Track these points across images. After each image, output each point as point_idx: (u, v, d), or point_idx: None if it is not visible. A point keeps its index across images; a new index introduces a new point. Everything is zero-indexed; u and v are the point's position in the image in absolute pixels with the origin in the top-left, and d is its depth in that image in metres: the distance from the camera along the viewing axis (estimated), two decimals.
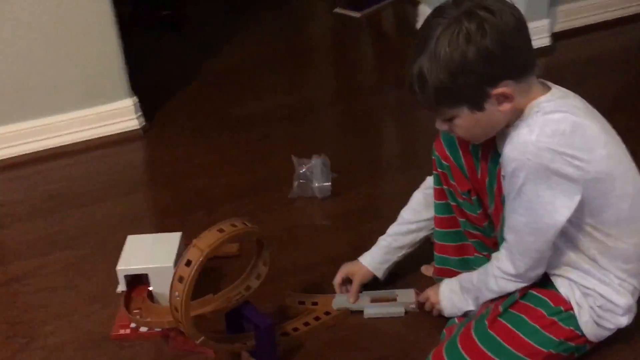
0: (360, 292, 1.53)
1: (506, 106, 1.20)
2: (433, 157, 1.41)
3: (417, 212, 1.51)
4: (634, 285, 1.30)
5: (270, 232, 1.80)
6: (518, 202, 1.21)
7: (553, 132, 1.17)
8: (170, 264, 1.43)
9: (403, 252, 1.53)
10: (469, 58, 1.14)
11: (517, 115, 1.22)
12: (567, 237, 1.26)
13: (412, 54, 1.20)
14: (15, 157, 2.18)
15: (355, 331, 1.49)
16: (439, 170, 1.41)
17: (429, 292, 1.47)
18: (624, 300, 1.28)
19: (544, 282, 1.32)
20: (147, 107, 2.35)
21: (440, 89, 1.18)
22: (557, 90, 1.24)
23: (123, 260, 1.47)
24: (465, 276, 1.40)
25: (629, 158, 1.28)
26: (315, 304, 1.54)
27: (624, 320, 1.29)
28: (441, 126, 1.27)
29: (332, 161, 1.98)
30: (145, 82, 2.48)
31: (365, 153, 2.18)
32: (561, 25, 2.71)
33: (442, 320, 1.44)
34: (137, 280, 1.50)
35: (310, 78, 2.73)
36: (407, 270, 1.60)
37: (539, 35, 2.59)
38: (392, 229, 1.54)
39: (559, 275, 1.31)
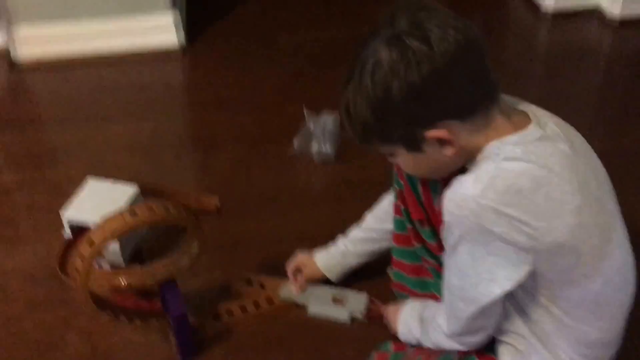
0: (309, 283, 1.42)
1: (449, 150, 1.01)
2: (394, 171, 1.24)
3: (382, 220, 1.35)
4: None
5: (253, 190, 1.72)
6: (452, 261, 1.04)
7: (506, 188, 0.96)
8: None
9: (362, 259, 1.40)
10: (392, 94, 0.96)
11: (474, 154, 1.02)
12: (518, 303, 1.07)
13: (345, 78, 1.02)
14: (44, 58, 2.16)
15: (289, 328, 1.39)
16: (396, 187, 1.24)
17: (390, 310, 1.32)
18: None
19: (490, 345, 1.15)
20: (193, 25, 2.26)
21: (366, 125, 1.01)
22: (535, 129, 1.00)
23: (72, 205, 1.44)
24: (429, 305, 1.24)
25: (616, 227, 1.04)
26: (262, 286, 1.45)
27: None
28: (389, 159, 1.10)
29: None
30: None
31: None
32: None
33: (385, 337, 1.32)
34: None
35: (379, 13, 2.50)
36: (372, 267, 1.44)
37: None
38: (353, 232, 1.39)
39: (505, 343, 1.13)
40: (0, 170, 1.81)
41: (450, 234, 1.01)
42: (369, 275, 1.44)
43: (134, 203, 1.44)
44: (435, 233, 1.18)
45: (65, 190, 1.72)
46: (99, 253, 1.15)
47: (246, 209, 1.66)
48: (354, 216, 1.43)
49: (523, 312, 1.07)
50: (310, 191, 1.74)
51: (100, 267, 1.43)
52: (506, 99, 1.06)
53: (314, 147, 1.77)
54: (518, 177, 0.96)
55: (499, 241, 0.97)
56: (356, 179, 1.75)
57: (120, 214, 1.16)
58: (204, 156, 1.84)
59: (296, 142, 1.79)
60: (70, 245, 1.41)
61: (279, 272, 1.46)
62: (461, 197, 0.98)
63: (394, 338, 1.30)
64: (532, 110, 1.06)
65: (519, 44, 2.31)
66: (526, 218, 0.95)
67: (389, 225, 1.32)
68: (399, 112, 0.97)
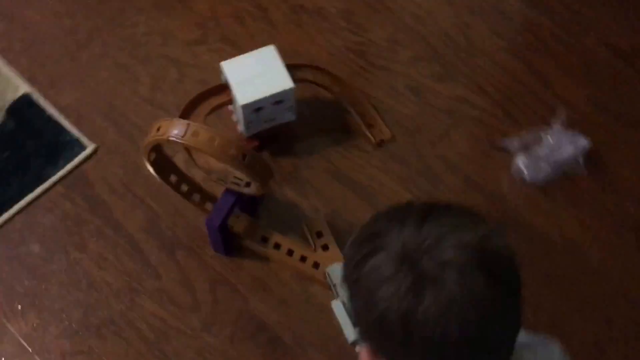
0: None
1: None
2: None
3: None
4: None
5: (425, 151, 1.53)
6: None
7: None
8: (242, 103, 1.37)
9: None
10: (358, 294, 0.75)
11: None
12: None
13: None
14: None
15: (307, 302, 1.37)
16: None
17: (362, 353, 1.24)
18: None
19: None
20: None
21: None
22: None
23: (234, 59, 1.43)
24: None
25: None
26: (324, 248, 1.40)
27: None
28: None
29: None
30: None
31: None
32: None
33: None
34: None
35: None
36: None
37: None
38: None
39: None
40: None
41: None
42: None
43: (283, 98, 1.40)
44: None
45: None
46: (160, 141, 1.19)
47: (400, 162, 1.52)
48: None
49: None
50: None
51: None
52: None
53: (519, 162, 1.49)
54: None
55: None
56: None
57: (187, 126, 1.14)
58: (435, 82, 1.63)
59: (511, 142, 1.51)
60: (210, 91, 1.43)
61: None
62: None
63: None
64: None
65: None
66: None
67: None
68: (355, 311, 0.77)
